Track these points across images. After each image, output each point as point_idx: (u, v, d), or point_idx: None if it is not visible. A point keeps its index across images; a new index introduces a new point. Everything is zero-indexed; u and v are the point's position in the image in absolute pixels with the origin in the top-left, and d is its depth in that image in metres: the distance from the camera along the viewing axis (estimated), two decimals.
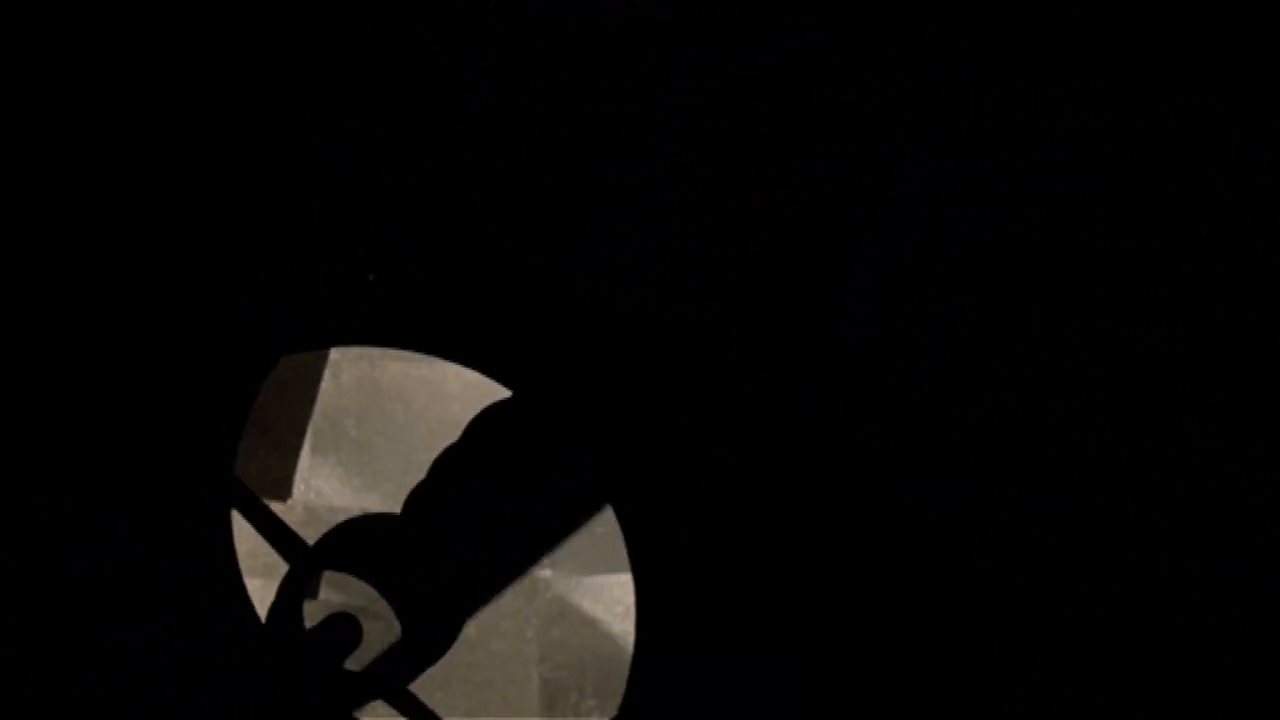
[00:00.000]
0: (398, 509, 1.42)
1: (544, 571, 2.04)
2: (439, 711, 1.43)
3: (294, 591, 1.33)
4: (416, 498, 1.40)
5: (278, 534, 1.39)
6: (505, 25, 1.29)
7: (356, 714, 1.36)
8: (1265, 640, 1.21)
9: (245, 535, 1.39)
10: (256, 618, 1.33)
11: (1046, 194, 1.23)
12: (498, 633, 1.42)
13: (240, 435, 1.38)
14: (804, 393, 1.27)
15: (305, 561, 1.35)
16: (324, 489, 2.38)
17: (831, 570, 1.28)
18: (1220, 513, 1.22)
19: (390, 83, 1.31)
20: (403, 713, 1.40)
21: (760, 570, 1.29)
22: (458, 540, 1.37)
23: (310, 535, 1.43)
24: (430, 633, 1.35)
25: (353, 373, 2.43)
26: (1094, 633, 1.23)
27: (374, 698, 1.40)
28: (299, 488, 1.87)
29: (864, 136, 1.25)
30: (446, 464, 1.42)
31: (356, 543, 1.36)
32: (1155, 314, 1.22)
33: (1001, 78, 1.22)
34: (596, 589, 2.35)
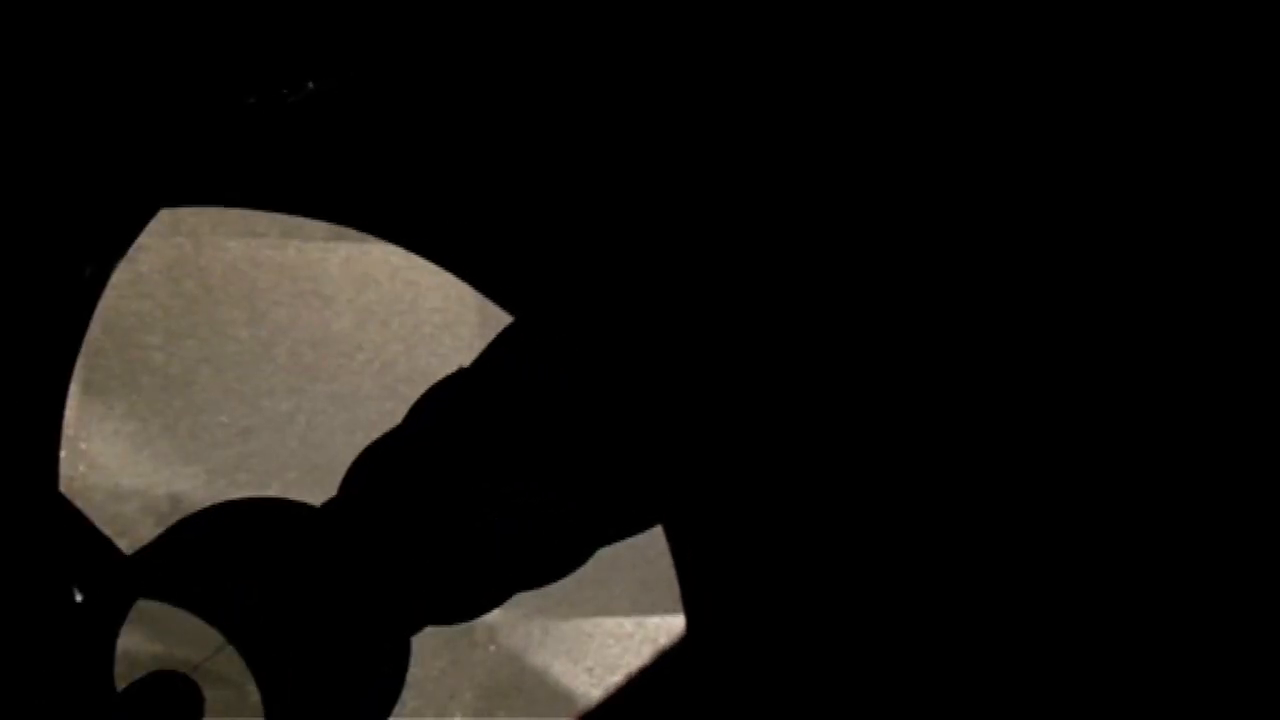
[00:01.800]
0: (233, 490, 1.05)
1: None
2: None
3: (106, 630, 0.89)
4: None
5: (78, 539, 0.92)
6: (505, 25, 1.29)
7: None
8: (1265, 640, 1.21)
9: None
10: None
11: (1046, 194, 1.23)
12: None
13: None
14: (804, 392, 1.28)
15: (131, 580, 0.89)
16: (105, 457, 1.46)
17: (830, 570, 1.28)
18: (1220, 513, 1.22)
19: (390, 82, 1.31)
20: None
21: (760, 570, 1.30)
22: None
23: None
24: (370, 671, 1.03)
25: (161, 256, 1.45)
26: (1094, 633, 1.23)
27: None
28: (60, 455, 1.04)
29: (864, 136, 1.25)
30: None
31: (239, 541, 0.92)
32: (1155, 314, 1.22)
33: (1001, 77, 1.22)
34: None
